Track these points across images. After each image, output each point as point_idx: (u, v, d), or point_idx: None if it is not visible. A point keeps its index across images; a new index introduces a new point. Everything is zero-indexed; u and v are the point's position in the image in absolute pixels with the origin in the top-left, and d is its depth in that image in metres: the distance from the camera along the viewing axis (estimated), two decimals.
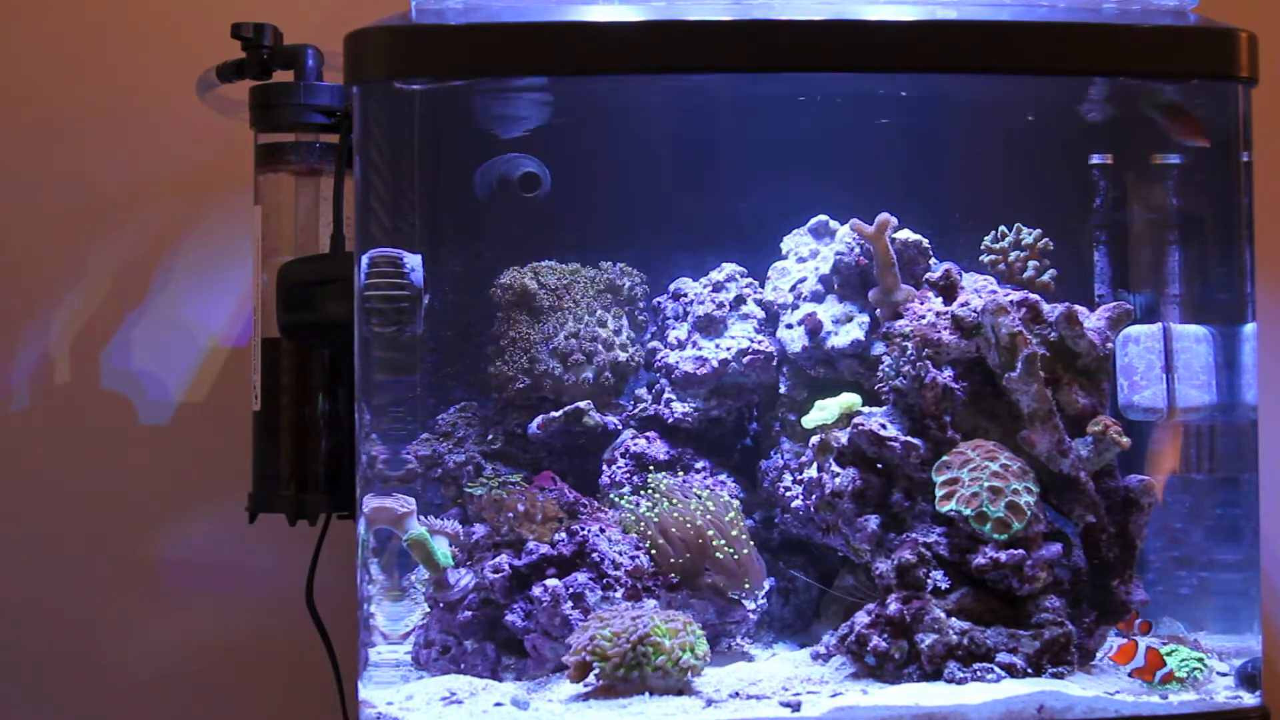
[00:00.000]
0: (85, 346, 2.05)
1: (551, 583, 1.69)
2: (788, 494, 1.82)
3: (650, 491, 1.77)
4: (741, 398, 1.88)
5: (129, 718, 2.05)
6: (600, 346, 1.87)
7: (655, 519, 1.73)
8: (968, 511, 1.63)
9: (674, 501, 1.74)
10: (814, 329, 1.82)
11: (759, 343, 1.85)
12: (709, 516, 1.73)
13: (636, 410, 1.89)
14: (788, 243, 1.91)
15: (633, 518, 1.75)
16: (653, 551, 1.72)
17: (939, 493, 1.66)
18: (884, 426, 1.70)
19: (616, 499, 1.79)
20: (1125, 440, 1.67)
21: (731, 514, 1.75)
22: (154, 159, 2.04)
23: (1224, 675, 1.69)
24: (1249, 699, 1.63)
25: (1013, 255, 1.82)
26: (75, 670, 2.05)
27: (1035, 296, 1.74)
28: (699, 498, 1.76)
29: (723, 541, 1.71)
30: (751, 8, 1.65)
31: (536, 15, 1.66)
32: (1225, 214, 1.75)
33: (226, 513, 1.89)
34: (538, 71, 1.66)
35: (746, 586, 1.72)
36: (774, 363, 1.86)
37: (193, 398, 2.06)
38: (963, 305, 1.74)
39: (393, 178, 1.71)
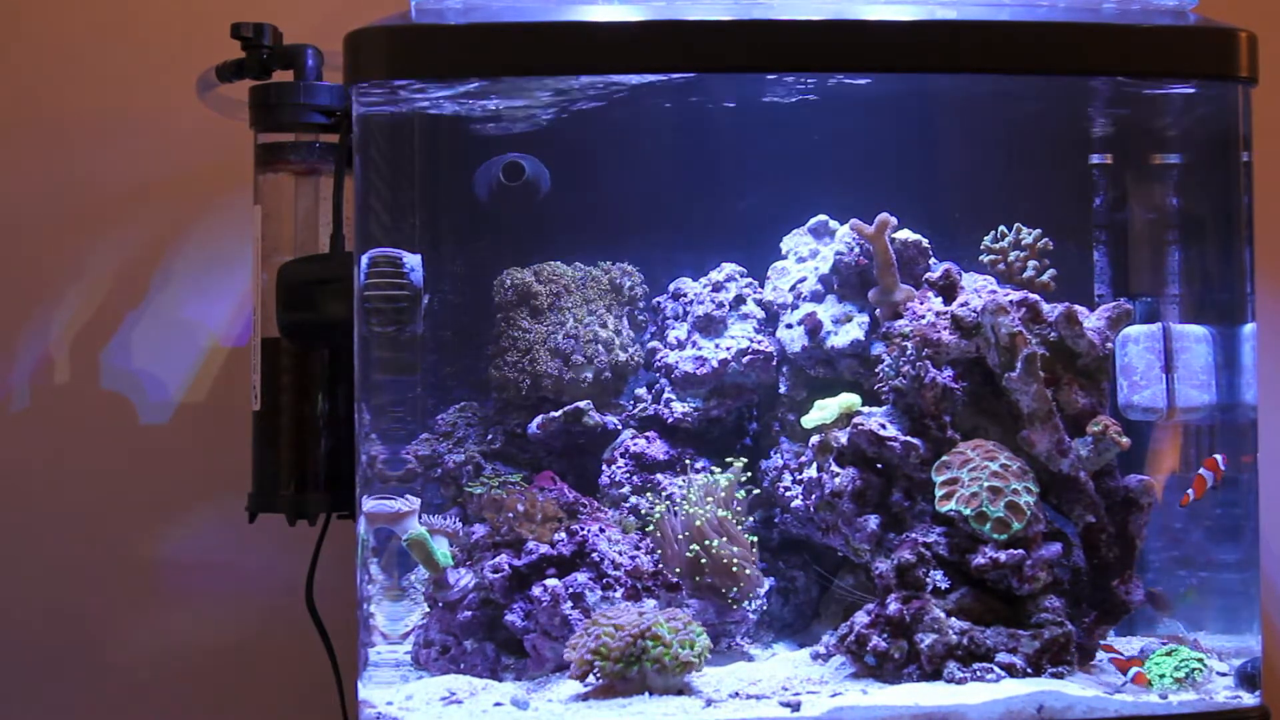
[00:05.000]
0: (85, 346, 2.05)
1: (551, 583, 1.69)
2: (788, 494, 1.82)
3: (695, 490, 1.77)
4: (741, 398, 1.88)
5: (129, 717, 2.05)
6: (600, 346, 1.87)
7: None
8: (967, 511, 1.63)
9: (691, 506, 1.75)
10: (814, 329, 1.82)
11: (759, 343, 1.85)
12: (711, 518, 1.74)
13: (636, 410, 1.89)
14: (787, 243, 1.91)
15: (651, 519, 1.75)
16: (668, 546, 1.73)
17: (939, 493, 1.66)
18: (884, 426, 1.70)
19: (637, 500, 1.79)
20: (1125, 440, 1.67)
21: (721, 506, 1.75)
22: (154, 159, 2.04)
23: (1224, 675, 1.69)
24: (1249, 699, 1.63)
25: (1013, 255, 1.81)
26: (75, 670, 2.05)
27: (1035, 296, 1.74)
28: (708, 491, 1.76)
29: (718, 541, 1.72)
30: (751, 8, 1.65)
31: (536, 15, 1.66)
32: (1225, 214, 1.75)
33: (226, 513, 1.89)
34: (537, 71, 1.66)
35: (739, 588, 1.72)
36: (774, 363, 1.86)
37: (193, 398, 2.06)
38: (963, 305, 1.74)
39: (393, 177, 1.71)
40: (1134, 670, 1.63)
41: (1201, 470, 1.71)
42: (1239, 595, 1.75)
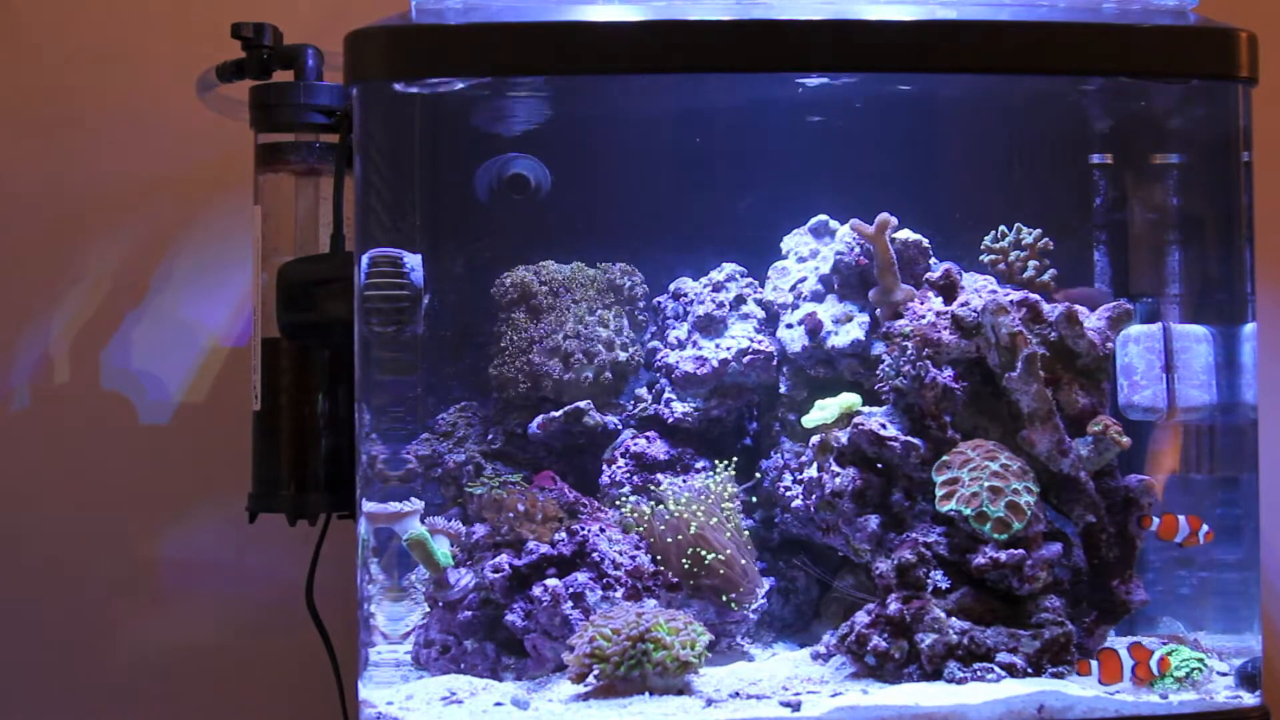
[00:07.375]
0: (85, 346, 2.05)
1: (551, 582, 1.69)
2: (788, 494, 1.82)
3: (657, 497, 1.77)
4: (741, 398, 1.88)
5: (128, 716, 2.05)
6: (600, 346, 1.87)
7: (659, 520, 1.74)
8: (968, 511, 1.64)
9: (676, 510, 1.74)
10: (814, 329, 1.82)
11: (759, 342, 1.85)
12: (705, 520, 1.74)
13: (636, 410, 1.89)
14: (788, 242, 1.91)
15: (634, 516, 1.75)
16: (656, 553, 1.72)
17: (939, 492, 1.66)
18: (884, 426, 1.70)
19: (620, 501, 1.79)
20: (1125, 440, 1.67)
21: (716, 516, 1.75)
22: (154, 159, 2.04)
23: (1224, 675, 1.69)
24: (1249, 699, 1.63)
25: (1013, 255, 1.81)
26: (75, 670, 2.05)
27: (1035, 296, 1.74)
28: (701, 498, 1.76)
29: (713, 554, 1.71)
30: (751, 8, 1.65)
31: (536, 15, 1.66)
32: (1225, 214, 1.75)
33: (226, 513, 1.89)
34: (537, 71, 1.66)
35: (739, 592, 1.72)
36: (774, 363, 1.86)
37: (193, 398, 2.06)
38: (963, 305, 1.74)
39: (393, 177, 1.71)
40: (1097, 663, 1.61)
41: (1181, 517, 1.68)
42: (1239, 595, 1.75)
